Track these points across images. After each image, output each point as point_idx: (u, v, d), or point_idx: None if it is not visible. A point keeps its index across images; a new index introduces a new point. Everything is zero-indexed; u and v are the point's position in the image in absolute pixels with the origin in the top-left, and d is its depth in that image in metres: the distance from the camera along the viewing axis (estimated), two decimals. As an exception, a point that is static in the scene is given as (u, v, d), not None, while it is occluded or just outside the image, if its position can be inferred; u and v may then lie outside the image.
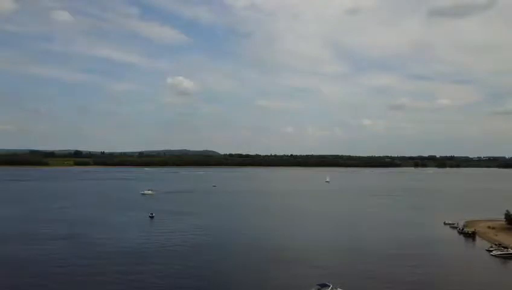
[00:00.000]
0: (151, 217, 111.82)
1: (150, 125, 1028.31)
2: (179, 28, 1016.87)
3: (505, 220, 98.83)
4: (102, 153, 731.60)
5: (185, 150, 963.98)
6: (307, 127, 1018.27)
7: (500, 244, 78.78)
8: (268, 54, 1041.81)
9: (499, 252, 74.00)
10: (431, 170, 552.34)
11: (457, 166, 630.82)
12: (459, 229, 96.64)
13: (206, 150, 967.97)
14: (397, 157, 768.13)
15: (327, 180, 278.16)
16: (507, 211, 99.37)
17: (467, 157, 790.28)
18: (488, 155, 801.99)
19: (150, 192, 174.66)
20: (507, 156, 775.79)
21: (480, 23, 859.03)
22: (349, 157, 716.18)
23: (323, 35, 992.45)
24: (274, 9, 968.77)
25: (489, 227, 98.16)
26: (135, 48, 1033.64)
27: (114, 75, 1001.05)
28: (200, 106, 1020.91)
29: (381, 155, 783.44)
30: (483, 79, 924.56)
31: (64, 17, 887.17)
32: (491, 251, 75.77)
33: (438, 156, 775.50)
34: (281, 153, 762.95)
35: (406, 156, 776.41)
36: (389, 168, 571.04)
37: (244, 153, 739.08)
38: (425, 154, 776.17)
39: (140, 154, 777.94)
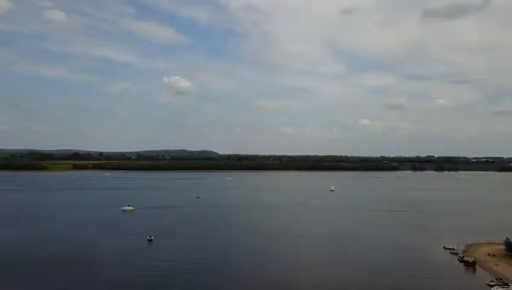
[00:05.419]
0: (150, 241, 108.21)
1: (149, 125, 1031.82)
2: (176, 28, 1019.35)
3: (504, 247, 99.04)
4: (101, 154, 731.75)
5: (184, 150, 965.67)
6: (304, 127, 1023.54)
7: (501, 279, 79.18)
8: (266, 54, 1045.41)
9: (500, 289, 74.23)
10: (431, 173, 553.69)
11: (456, 169, 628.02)
12: (460, 256, 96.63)
13: (205, 150, 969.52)
14: (395, 158, 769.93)
15: (331, 189, 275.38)
16: (507, 238, 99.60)
17: (465, 157, 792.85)
18: (486, 156, 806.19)
19: (130, 208, 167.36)
20: (505, 157, 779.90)
21: (476, 24, 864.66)
22: (347, 159, 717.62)
23: (320, 36, 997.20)
24: (271, 9, 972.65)
25: (489, 254, 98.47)
26: (132, 47, 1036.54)
27: (111, 74, 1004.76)
28: (198, 105, 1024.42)
29: (379, 156, 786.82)
30: (480, 79, 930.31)
31: (60, 17, 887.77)
32: (492, 285, 76.07)
33: (435, 156, 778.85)
34: (279, 153, 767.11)
35: (404, 156, 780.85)
36: (388, 172, 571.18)
37: (242, 153, 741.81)
38: (423, 154, 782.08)
39: (139, 154, 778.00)
